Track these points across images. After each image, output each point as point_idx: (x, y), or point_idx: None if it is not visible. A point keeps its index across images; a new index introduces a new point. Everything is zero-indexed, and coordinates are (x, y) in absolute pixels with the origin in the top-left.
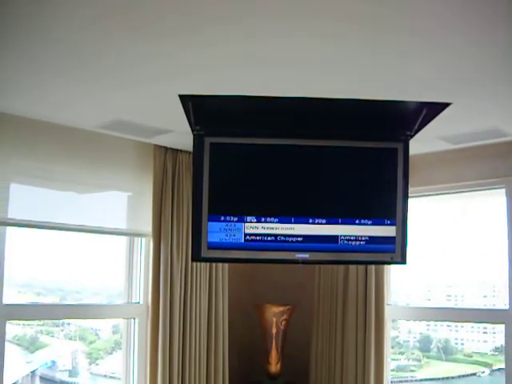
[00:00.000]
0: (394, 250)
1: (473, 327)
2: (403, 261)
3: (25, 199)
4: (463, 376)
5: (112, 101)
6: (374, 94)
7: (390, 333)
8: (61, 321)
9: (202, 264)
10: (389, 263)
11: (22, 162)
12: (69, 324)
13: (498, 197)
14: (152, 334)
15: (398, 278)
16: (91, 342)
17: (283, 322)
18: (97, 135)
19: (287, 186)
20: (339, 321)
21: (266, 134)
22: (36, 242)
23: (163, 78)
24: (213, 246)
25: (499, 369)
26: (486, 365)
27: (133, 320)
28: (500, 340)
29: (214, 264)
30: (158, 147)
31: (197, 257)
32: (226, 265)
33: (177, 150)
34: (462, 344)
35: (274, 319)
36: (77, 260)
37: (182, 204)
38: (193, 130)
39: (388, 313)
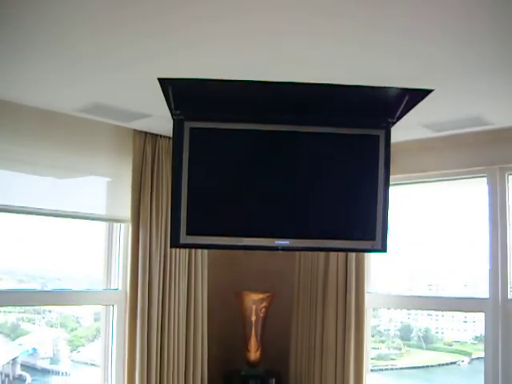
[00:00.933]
0: (374, 238)
1: (453, 316)
2: (384, 249)
3: (1, 183)
4: (443, 364)
5: (91, 85)
6: (355, 80)
7: (370, 321)
8: (42, 308)
9: (182, 250)
10: (369, 251)
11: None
12: (50, 311)
13: (480, 185)
14: (130, 321)
15: (378, 266)
16: (72, 330)
17: (263, 310)
18: (76, 119)
19: (267, 177)
20: (319, 308)
21: (246, 119)
22: (15, 228)
23: (141, 61)
24: (192, 232)
25: (479, 358)
26: (465, 353)
27: (111, 307)
28: (480, 329)
29: (193, 250)
30: (137, 132)
31: (175, 243)
32: (206, 251)
33: (156, 135)
34: (443, 333)
35: (254, 306)
36: (57, 246)
37: (162, 189)
38: (172, 115)
39: (368, 301)
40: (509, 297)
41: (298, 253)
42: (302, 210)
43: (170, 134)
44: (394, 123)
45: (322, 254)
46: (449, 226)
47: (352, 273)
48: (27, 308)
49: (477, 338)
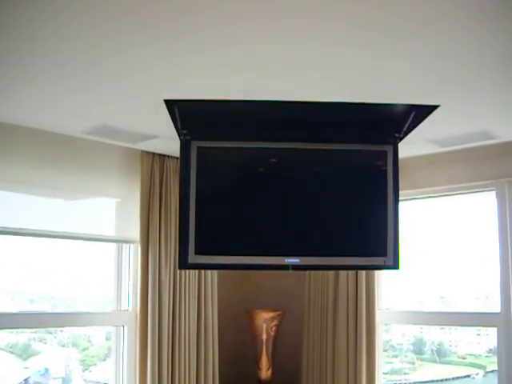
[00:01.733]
0: (386, 254)
1: (466, 329)
2: (396, 265)
3: (10, 206)
4: (457, 378)
5: (99, 108)
6: (361, 97)
7: (381, 337)
8: (53, 328)
9: (191, 270)
10: (381, 268)
11: (6, 168)
12: (61, 331)
13: (489, 198)
14: (141, 341)
15: (389, 281)
16: (84, 349)
17: (273, 328)
18: (84, 141)
19: (276, 195)
20: (330, 326)
21: (254, 137)
22: (27, 250)
23: (149, 85)
24: (201, 252)
25: (493, 370)
26: (479, 366)
27: (122, 327)
28: (494, 342)
29: (202, 270)
30: (145, 153)
31: (184, 263)
32: (215, 270)
33: (164, 156)
34: (456, 346)
35: (265, 325)
36: (67, 268)
37: (170, 210)
38: (179, 135)
39: (379, 317)
40: None
41: (307, 271)
42: (312, 227)
43: (178, 154)
44: (401, 138)
45: (332, 272)
46: (459, 240)
47: (362, 289)
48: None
49: (490, 350)
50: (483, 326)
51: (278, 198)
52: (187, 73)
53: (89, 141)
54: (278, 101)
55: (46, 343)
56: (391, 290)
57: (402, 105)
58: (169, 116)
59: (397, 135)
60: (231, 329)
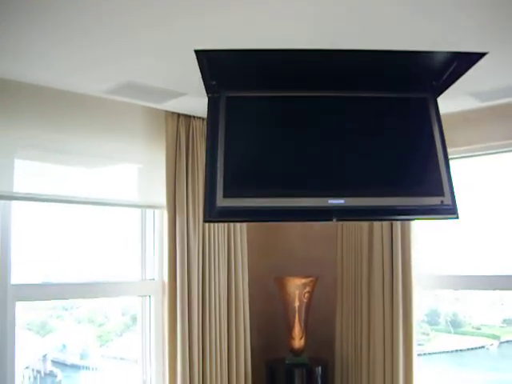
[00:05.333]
0: (442, 193)
1: (481, 299)
2: (454, 207)
3: (29, 172)
4: (472, 349)
5: (123, 64)
6: (403, 44)
7: (417, 302)
8: (70, 304)
9: (220, 236)
10: (439, 215)
11: (26, 132)
12: (78, 307)
13: None
14: (170, 311)
15: (424, 244)
16: (101, 325)
17: (306, 295)
18: (104, 102)
19: (314, 138)
20: (364, 291)
21: (285, 86)
22: (45, 219)
23: (177, 36)
24: (230, 194)
25: (508, 341)
26: (494, 337)
27: (148, 298)
28: (508, 312)
29: (232, 236)
30: (169, 113)
31: (210, 211)
32: (245, 236)
33: (189, 116)
34: (470, 317)
35: (297, 292)
36: (87, 236)
37: (198, 173)
38: (207, 87)
39: (415, 281)
40: None
41: (339, 234)
42: (355, 165)
43: (204, 115)
44: (442, 90)
45: (365, 235)
46: (496, 203)
47: (398, 253)
48: (55, 304)
49: (505, 321)
50: None
51: (316, 138)
52: (220, 23)
53: (111, 101)
54: (312, 50)
55: (62, 320)
56: (427, 254)
57: (445, 52)
58: (198, 70)
59: (435, 83)
60: (261, 297)
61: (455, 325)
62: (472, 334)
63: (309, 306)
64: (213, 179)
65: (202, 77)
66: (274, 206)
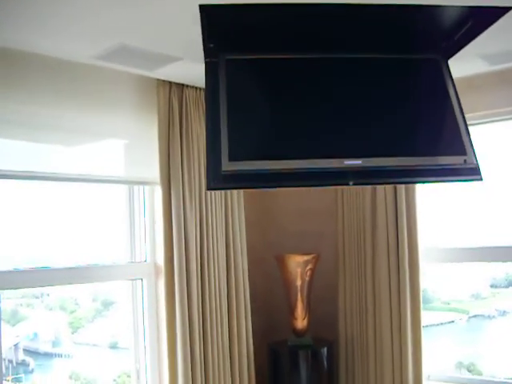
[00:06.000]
0: (465, 152)
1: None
2: (477, 167)
3: (5, 147)
4: (441, 324)
5: (116, 23)
6: None
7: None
8: (40, 292)
9: (218, 213)
10: (462, 176)
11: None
12: (48, 295)
13: None
14: (167, 295)
15: (428, 218)
16: (72, 312)
17: (308, 273)
18: (93, 70)
19: (326, 99)
20: (368, 266)
21: (290, 47)
22: (22, 199)
23: None
24: (236, 157)
25: (476, 315)
26: (463, 312)
27: (140, 281)
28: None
29: (229, 212)
30: (161, 82)
31: (214, 177)
32: (243, 213)
33: (182, 85)
34: (439, 292)
35: (299, 270)
36: (70, 217)
37: (193, 146)
38: (205, 50)
39: (422, 253)
40: None
41: (339, 207)
42: (371, 126)
43: (197, 83)
44: (455, 49)
45: (368, 207)
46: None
47: (403, 225)
48: (25, 293)
49: (473, 295)
50: None
51: (327, 98)
52: None
53: (98, 69)
54: (315, 3)
55: (33, 308)
56: (433, 225)
57: (462, 7)
58: (196, 32)
59: (445, 45)
60: (261, 276)
61: (424, 300)
62: (441, 309)
63: (311, 285)
64: (216, 143)
65: (203, 37)
66: (286, 169)
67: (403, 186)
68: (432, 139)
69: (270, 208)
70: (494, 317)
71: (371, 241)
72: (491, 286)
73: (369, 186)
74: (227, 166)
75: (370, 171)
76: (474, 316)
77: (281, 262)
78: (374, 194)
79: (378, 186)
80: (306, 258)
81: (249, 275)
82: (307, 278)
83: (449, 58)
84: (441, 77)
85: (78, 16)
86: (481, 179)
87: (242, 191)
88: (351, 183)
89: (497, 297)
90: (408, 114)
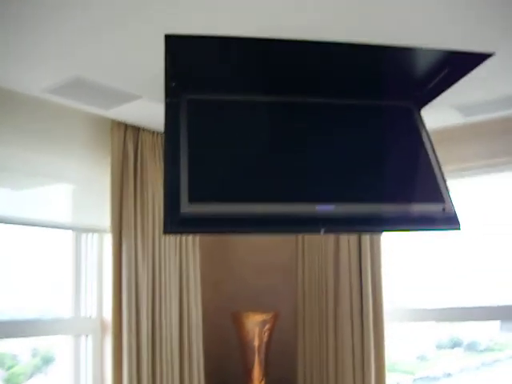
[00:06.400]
0: (443, 200)
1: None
2: (456, 216)
3: None
4: None
5: (72, 55)
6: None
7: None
8: None
9: (172, 265)
10: (440, 225)
11: None
12: None
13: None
14: (114, 355)
15: (393, 276)
16: (9, 368)
17: (266, 333)
18: (43, 105)
19: (292, 137)
20: (330, 326)
21: (258, 90)
22: None
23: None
24: (197, 198)
25: (421, 377)
26: (409, 373)
27: (85, 337)
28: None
29: (184, 264)
30: (116, 123)
31: (172, 220)
32: (198, 265)
33: (138, 128)
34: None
35: (257, 329)
36: (11, 264)
37: (147, 193)
38: (167, 89)
39: (387, 314)
40: None
41: (300, 262)
42: (344, 171)
43: (155, 127)
44: (428, 98)
45: (330, 262)
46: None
47: (368, 281)
48: None
49: (418, 357)
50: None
51: (297, 140)
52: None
53: (48, 104)
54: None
55: None
56: (396, 285)
57: (440, 51)
58: (158, 69)
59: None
60: (216, 335)
61: None
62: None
63: (269, 345)
64: (175, 183)
65: (165, 76)
66: (252, 213)
67: (368, 240)
68: (408, 187)
69: (227, 261)
70: (439, 378)
71: (333, 299)
72: (437, 347)
73: (331, 240)
74: (187, 207)
75: (343, 218)
76: (420, 378)
77: (237, 321)
78: (336, 249)
79: (341, 240)
80: (264, 316)
81: (203, 333)
82: (265, 339)
83: (422, 107)
84: (414, 125)
85: (30, 42)
86: (459, 228)
87: (197, 242)
88: (323, 231)
89: (442, 358)
90: (383, 161)
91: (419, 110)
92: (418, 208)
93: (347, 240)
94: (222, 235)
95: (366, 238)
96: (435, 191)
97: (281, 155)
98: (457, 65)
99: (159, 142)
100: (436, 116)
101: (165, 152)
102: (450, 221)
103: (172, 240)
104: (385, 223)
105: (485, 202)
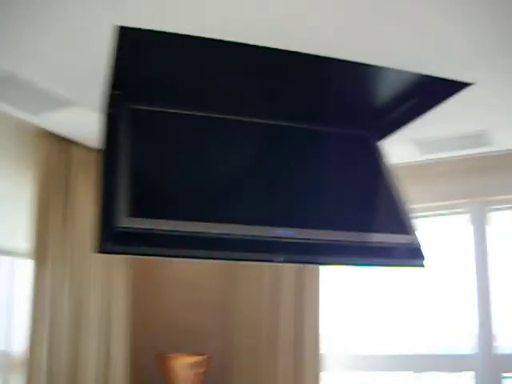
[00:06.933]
0: (408, 232)
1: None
2: (422, 250)
3: None
4: None
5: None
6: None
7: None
8: None
9: (97, 295)
10: (407, 263)
11: None
12: None
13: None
14: None
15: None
16: None
17: (198, 378)
18: None
19: (247, 158)
20: (265, 370)
21: (208, 105)
22: None
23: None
24: (139, 213)
25: None
26: None
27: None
28: None
29: (112, 299)
30: (44, 133)
31: (107, 235)
32: (127, 300)
33: (70, 142)
34: None
35: (187, 373)
36: None
37: (77, 215)
38: (109, 98)
39: (326, 361)
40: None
41: (234, 300)
42: (302, 196)
43: (88, 142)
44: (391, 128)
45: (266, 298)
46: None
47: (304, 328)
48: None
49: None
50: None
51: (249, 160)
52: None
53: None
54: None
55: None
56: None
57: (416, 74)
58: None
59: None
60: (142, 379)
61: None
62: None
63: None
64: (113, 195)
65: (109, 83)
66: (203, 233)
67: (307, 280)
68: (373, 217)
69: (156, 296)
70: None
71: (268, 341)
72: None
73: (268, 278)
74: (125, 221)
75: (304, 244)
76: None
77: (163, 363)
78: (274, 288)
79: (280, 278)
80: (195, 359)
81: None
82: None
83: (381, 139)
84: (373, 156)
85: None
86: (423, 265)
87: (127, 273)
88: (282, 259)
89: None
90: (343, 189)
91: (378, 140)
92: (384, 238)
93: (286, 278)
94: (161, 257)
95: (305, 277)
96: (400, 223)
97: (236, 175)
98: (429, 93)
99: (93, 159)
100: (393, 150)
101: (102, 162)
102: (417, 255)
103: (99, 269)
104: (349, 253)
105: (436, 244)
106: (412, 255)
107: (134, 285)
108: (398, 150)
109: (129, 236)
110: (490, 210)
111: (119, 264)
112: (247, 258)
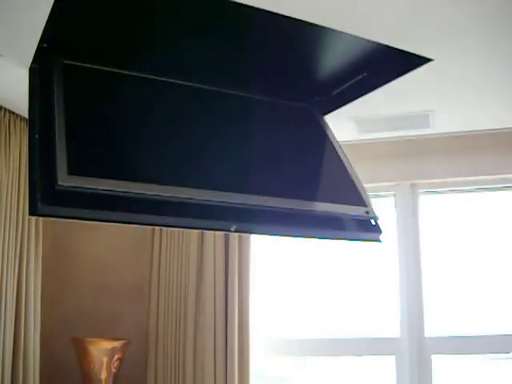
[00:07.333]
0: (365, 204)
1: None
2: (378, 224)
3: None
4: None
5: None
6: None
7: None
8: None
9: (10, 279)
10: (366, 228)
11: None
12: None
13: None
14: None
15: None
16: None
17: (116, 363)
18: None
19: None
20: (189, 356)
21: (148, 66)
22: None
23: None
24: (79, 171)
25: None
26: None
27: None
28: None
29: (23, 280)
30: None
31: (46, 193)
32: (40, 280)
33: None
34: None
35: (105, 359)
36: None
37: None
38: (37, 51)
39: (253, 346)
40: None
41: (154, 282)
42: (251, 164)
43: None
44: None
45: (192, 279)
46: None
47: (234, 310)
48: None
49: None
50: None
51: (192, 124)
52: None
53: None
54: None
55: None
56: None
57: (372, 42)
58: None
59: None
60: (53, 365)
61: None
62: None
63: (117, 378)
64: (48, 153)
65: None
66: (149, 194)
67: (236, 258)
68: (327, 187)
69: (69, 278)
70: None
71: (193, 325)
72: None
73: (194, 256)
74: (66, 179)
75: (254, 211)
76: None
77: (80, 348)
78: (199, 267)
79: (205, 255)
80: (114, 344)
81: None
82: (114, 370)
83: (324, 114)
84: (322, 130)
85: None
86: (380, 241)
87: (40, 251)
88: (233, 228)
89: None
90: (297, 160)
91: (321, 114)
92: (342, 209)
93: (212, 255)
94: (103, 222)
95: (235, 255)
96: (356, 195)
97: (178, 138)
98: (382, 67)
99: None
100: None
101: (31, 121)
102: (374, 229)
103: (12, 246)
104: (305, 222)
105: None
106: (368, 228)
107: (48, 264)
108: (336, 126)
109: (72, 195)
110: (419, 194)
111: (30, 242)
112: (195, 226)
